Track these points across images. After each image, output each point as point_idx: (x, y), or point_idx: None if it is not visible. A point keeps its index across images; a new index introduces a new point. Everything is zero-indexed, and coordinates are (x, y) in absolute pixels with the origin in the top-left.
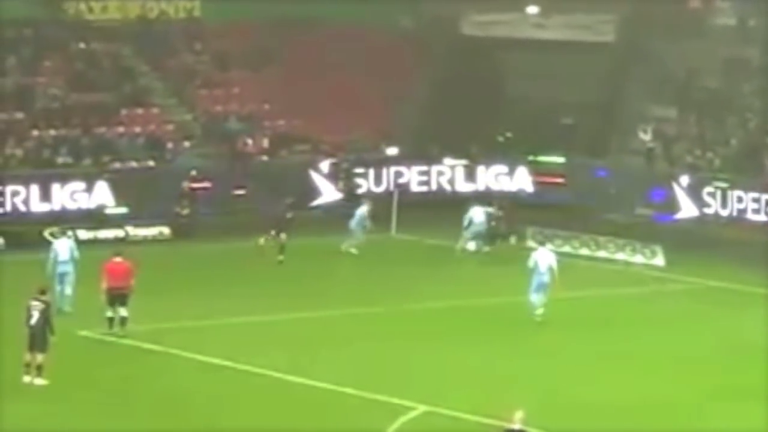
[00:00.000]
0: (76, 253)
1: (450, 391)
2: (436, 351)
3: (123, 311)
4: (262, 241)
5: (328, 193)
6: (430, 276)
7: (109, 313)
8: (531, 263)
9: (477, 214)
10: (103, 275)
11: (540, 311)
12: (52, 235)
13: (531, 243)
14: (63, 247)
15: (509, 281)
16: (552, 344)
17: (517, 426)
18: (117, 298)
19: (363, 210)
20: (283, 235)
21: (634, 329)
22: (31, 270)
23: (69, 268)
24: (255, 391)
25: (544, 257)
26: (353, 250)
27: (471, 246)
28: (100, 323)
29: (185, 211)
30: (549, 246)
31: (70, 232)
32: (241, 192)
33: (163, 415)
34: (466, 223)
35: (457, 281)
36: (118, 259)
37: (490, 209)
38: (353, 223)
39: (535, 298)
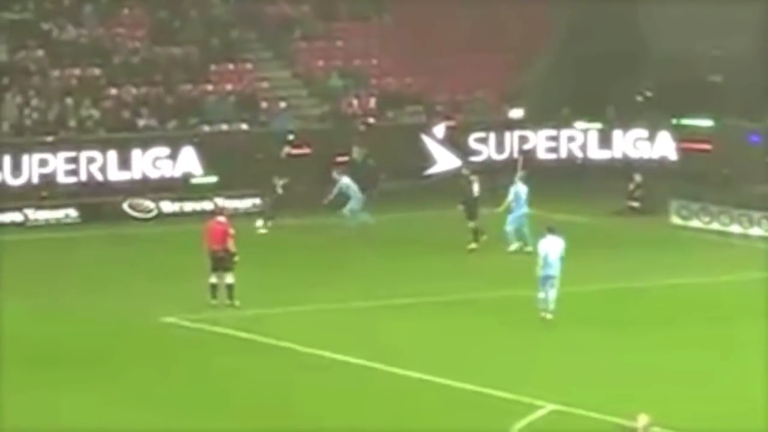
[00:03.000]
0: None
1: (579, 388)
2: (563, 341)
3: (228, 278)
4: None
5: (443, 160)
6: None
7: (212, 279)
8: (542, 252)
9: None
10: (203, 236)
11: (551, 307)
12: None
13: (674, 219)
14: None
15: (652, 262)
16: (700, 335)
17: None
18: (218, 262)
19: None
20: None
21: None
22: (110, 246)
23: None
24: (361, 385)
25: (554, 246)
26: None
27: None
28: (185, 308)
29: (282, 181)
30: (557, 237)
31: None
32: (343, 159)
33: (261, 412)
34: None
35: (590, 261)
36: (219, 219)
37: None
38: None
39: (545, 294)
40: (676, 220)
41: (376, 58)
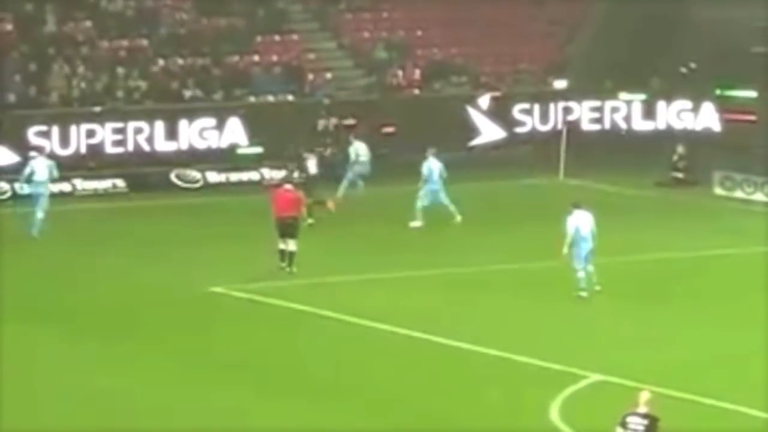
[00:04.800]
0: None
1: (624, 358)
2: (607, 312)
3: (292, 245)
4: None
5: (489, 131)
6: (603, 226)
7: (281, 245)
8: (571, 229)
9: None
10: (271, 204)
11: (593, 283)
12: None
13: (718, 190)
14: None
15: (696, 233)
16: (745, 308)
17: (642, 409)
18: (286, 228)
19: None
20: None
21: None
22: (157, 215)
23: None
24: (408, 355)
25: (585, 220)
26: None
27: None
28: (233, 278)
29: (328, 152)
30: (585, 212)
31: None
32: (389, 130)
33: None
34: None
35: (633, 232)
36: (287, 187)
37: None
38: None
39: (585, 268)
40: (719, 190)
41: (422, 30)
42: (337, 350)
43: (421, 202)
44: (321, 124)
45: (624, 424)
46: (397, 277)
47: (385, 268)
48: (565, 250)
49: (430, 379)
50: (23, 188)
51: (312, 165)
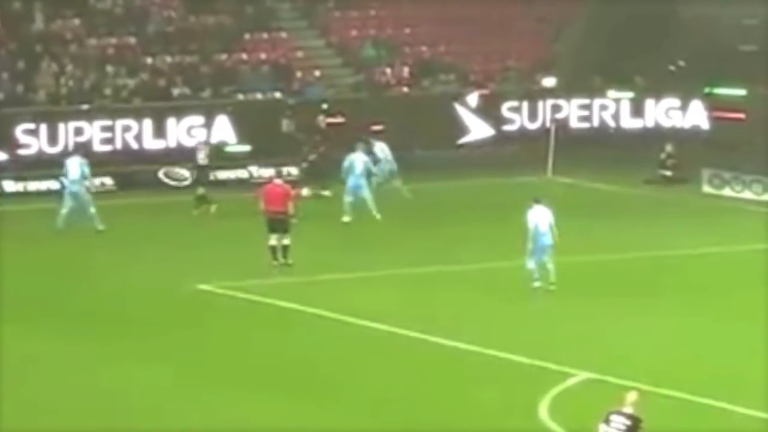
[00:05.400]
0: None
1: (611, 356)
2: (596, 310)
3: (285, 239)
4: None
5: (477, 129)
6: (591, 224)
7: (272, 241)
8: (530, 224)
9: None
10: (260, 198)
11: (549, 280)
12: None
13: (706, 188)
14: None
15: (684, 231)
16: (733, 303)
17: (628, 409)
18: (276, 224)
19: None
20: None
21: None
22: (145, 213)
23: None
24: (396, 353)
25: (542, 215)
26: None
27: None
28: (221, 276)
29: (316, 150)
30: (544, 207)
31: None
32: (378, 128)
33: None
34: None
35: (622, 230)
36: (277, 182)
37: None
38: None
39: (537, 266)
40: (707, 188)
41: (410, 27)
42: (326, 349)
43: (348, 197)
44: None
45: (607, 421)
46: (386, 275)
47: (372, 265)
48: (530, 245)
49: (420, 378)
50: (63, 186)
51: (202, 156)
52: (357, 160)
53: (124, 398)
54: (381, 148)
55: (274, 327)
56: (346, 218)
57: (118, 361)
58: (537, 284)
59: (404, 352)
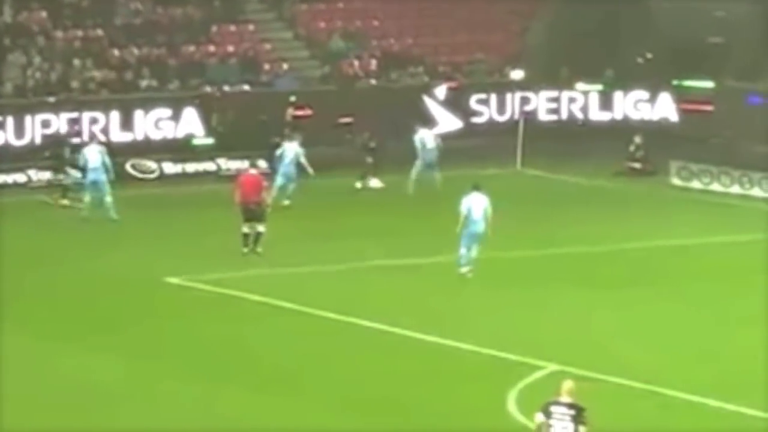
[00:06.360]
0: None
1: (588, 349)
2: (565, 301)
3: (260, 227)
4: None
5: (446, 121)
6: (560, 216)
7: (245, 229)
8: (464, 209)
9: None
10: (236, 188)
11: (469, 267)
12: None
13: (675, 180)
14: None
15: (653, 223)
16: (715, 295)
17: (566, 399)
18: (251, 213)
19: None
20: None
21: None
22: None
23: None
24: (360, 346)
25: (478, 203)
26: (286, 202)
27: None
28: (189, 269)
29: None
30: (481, 195)
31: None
32: (346, 120)
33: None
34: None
35: (590, 223)
36: (252, 171)
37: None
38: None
39: (467, 251)
40: (676, 181)
41: (378, 20)
42: (290, 342)
43: (279, 180)
44: (288, 114)
45: (548, 413)
46: (354, 268)
47: (342, 258)
48: (458, 229)
49: (390, 371)
50: (80, 178)
51: None
52: (289, 149)
53: (78, 392)
54: (422, 138)
55: (240, 320)
56: (285, 201)
57: (76, 355)
58: (464, 269)
59: (371, 344)
